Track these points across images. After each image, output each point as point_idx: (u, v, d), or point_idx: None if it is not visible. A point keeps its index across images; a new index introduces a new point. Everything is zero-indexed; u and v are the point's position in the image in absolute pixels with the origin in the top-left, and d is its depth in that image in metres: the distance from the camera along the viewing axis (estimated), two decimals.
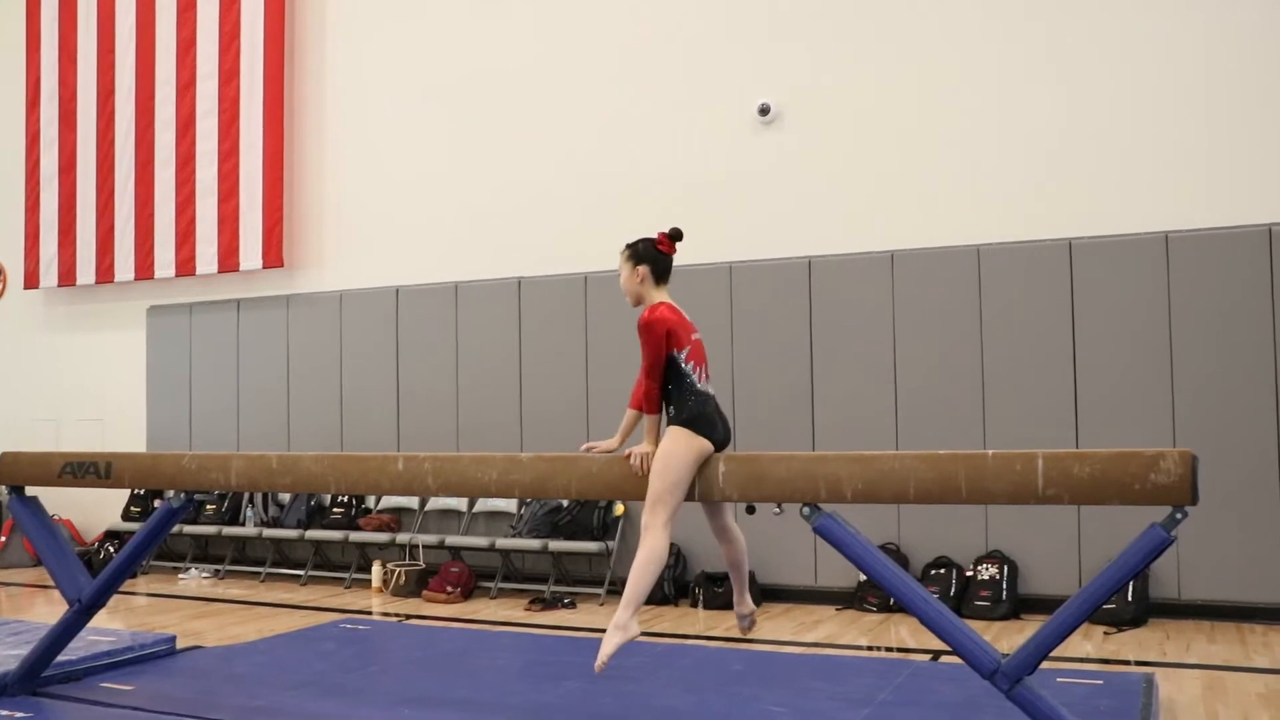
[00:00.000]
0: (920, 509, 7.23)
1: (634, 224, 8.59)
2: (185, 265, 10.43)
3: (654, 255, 4.20)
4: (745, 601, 4.48)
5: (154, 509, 5.20)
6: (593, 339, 8.65)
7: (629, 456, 4.08)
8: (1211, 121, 7.22)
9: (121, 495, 10.39)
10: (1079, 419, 7.29)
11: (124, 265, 10.74)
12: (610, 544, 8.26)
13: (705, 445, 4.00)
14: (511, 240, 9.14)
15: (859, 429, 7.74)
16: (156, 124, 10.62)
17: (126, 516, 10.28)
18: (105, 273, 10.84)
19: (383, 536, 8.99)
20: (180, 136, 10.50)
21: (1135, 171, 7.37)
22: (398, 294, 9.51)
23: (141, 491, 10.25)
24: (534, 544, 8.32)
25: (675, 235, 4.23)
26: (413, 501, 9.25)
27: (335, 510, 9.44)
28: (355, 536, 9.07)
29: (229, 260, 10.22)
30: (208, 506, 9.81)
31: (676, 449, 3.98)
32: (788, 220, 8.21)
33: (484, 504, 9.01)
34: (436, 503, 9.16)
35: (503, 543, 8.46)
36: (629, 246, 4.25)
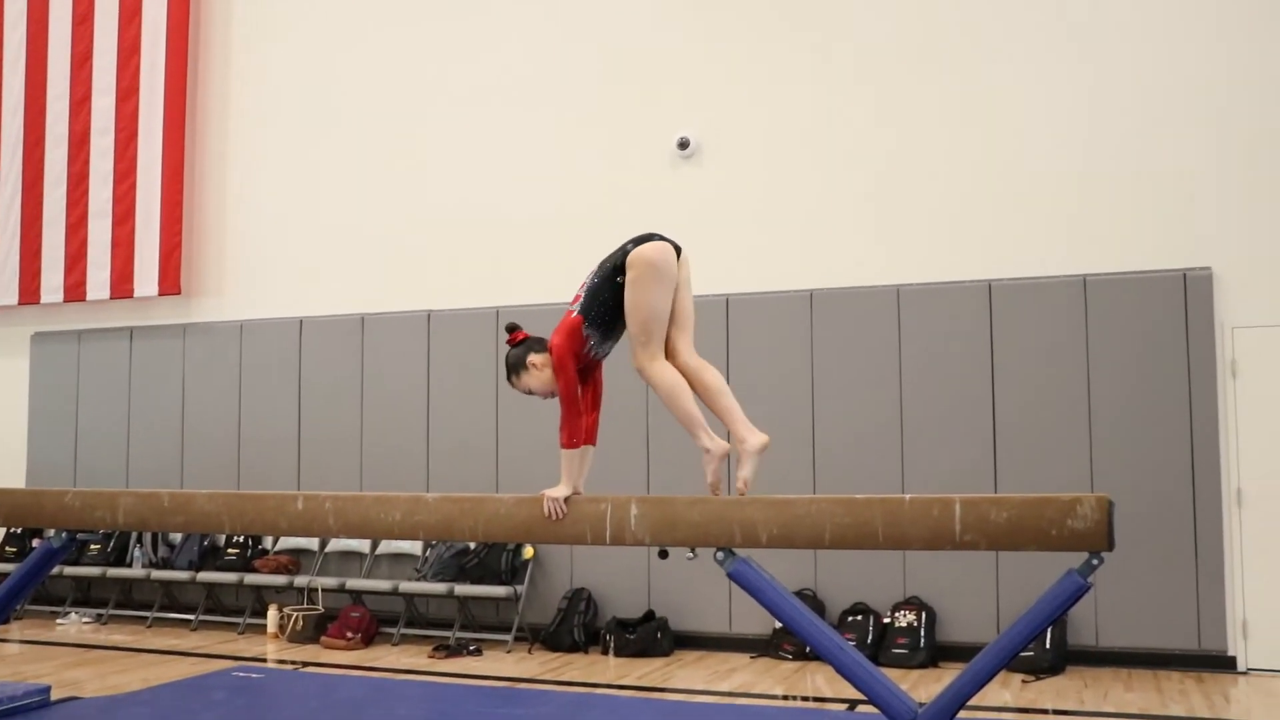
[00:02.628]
0: (837, 553, 7.29)
1: (548, 258, 8.67)
2: (75, 290, 10.19)
3: (527, 346, 4.28)
4: (744, 434, 4.07)
5: (32, 549, 5.05)
6: (504, 376, 8.58)
7: (541, 498, 4.07)
8: (1128, 167, 7.44)
9: None
10: (998, 461, 7.42)
11: (7, 289, 10.44)
12: (519, 588, 8.19)
13: (665, 252, 4.08)
14: (421, 272, 9.08)
15: (774, 472, 7.73)
16: (47, 141, 10.38)
17: (0, 557, 9.94)
18: None
19: (280, 579, 8.82)
20: (73, 155, 10.28)
21: (1054, 215, 7.56)
22: (301, 325, 9.39)
23: (18, 530, 9.92)
24: (439, 588, 8.23)
25: (512, 327, 4.40)
26: (312, 542, 9.08)
27: (230, 551, 9.23)
28: (251, 579, 8.88)
29: (122, 286, 10.01)
30: (91, 546, 9.53)
31: (642, 282, 4.04)
32: (706, 257, 8.16)
33: (387, 545, 8.89)
34: (337, 544, 9.01)
35: (406, 586, 8.35)
36: (508, 374, 4.34)
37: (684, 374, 4.14)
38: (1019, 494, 3.55)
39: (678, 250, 4.17)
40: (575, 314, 4.14)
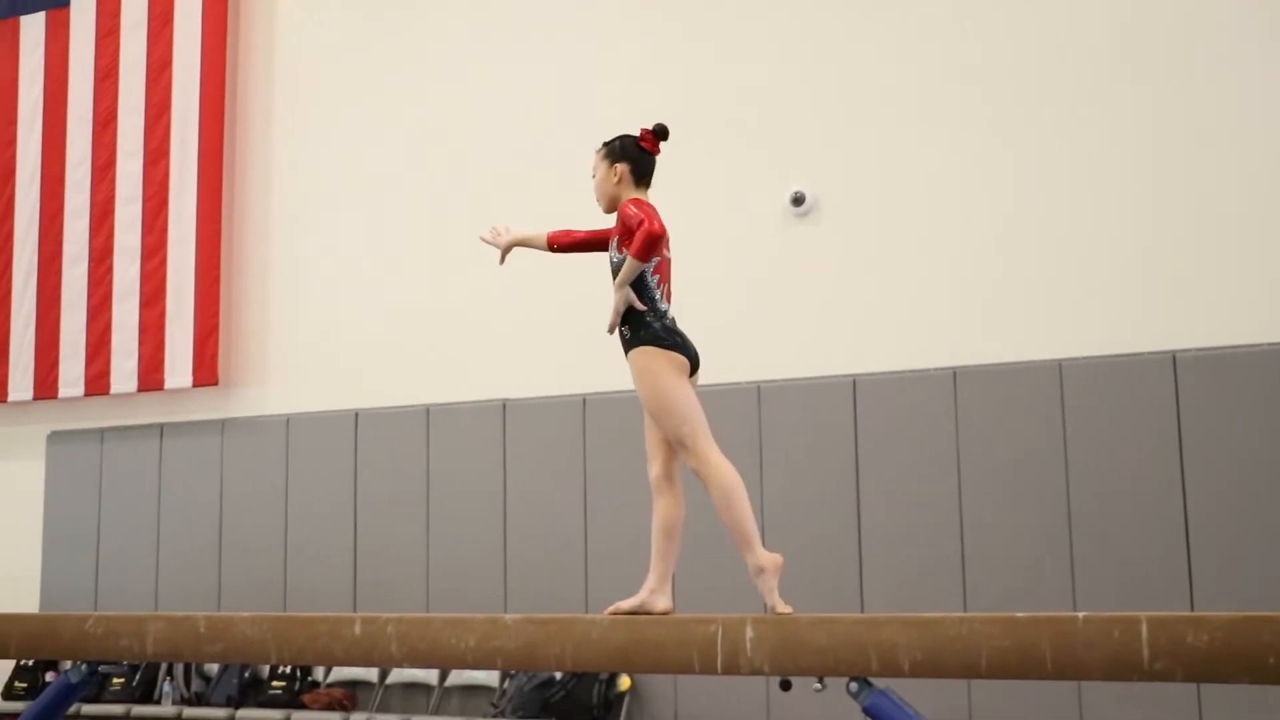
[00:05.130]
0: (997, 682, 7.12)
1: None
2: (97, 382, 10.44)
3: (635, 153, 4.36)
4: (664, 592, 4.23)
5: (46, 684, 5.15)
6: (592, 473, 8.63)
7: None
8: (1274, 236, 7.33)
9: (4, 667, 10.24)
10: (1193, 571, 7.22)
11: (20, 382, 10.72)
12: None
13: (677, 357, 4.17)
14: (495, 356, 9.16)
15: (917, 583, 7.67)
16: (66, 212, 10.66)
17: (8, 694, 10.08)
18: None
19: (334, 716, 8.86)
20: (95, 228, 10.56)
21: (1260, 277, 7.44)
22: (357, 419, 9.53)
23: (30, 662, 10.11)
24: None
25: (660, 133, 4.38)
26: (371, 673, 9.13)
27: (275, 684, 9.31)
28: (299, 716, 8.94)
29: (151, 377, 10.23)
30: (114, 680, 9.66)
31: (651, 375, 4.16)
32: (826, 331, 8.25)
33: (459, 676, 8.90)
34: (400, 674, 9.04)
35: None
36: (606, 144, 4.42)
37: (673, 486, 4.27)
38: (1224, 612, 3.44)
39: (695, 360, 4.25)
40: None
